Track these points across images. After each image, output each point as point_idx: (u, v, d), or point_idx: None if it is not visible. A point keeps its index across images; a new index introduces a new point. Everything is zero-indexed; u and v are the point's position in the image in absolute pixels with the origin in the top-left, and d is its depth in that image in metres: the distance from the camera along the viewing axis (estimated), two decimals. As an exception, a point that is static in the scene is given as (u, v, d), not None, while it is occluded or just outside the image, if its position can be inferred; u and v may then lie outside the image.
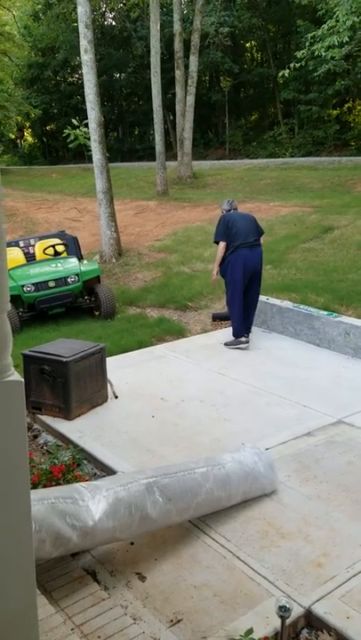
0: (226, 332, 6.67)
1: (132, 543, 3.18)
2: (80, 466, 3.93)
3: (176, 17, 17.75)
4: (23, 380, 1.56)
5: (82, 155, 24.26)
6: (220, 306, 7.66)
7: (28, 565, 1.67)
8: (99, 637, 2.49)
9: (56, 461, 3.78)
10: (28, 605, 1.68)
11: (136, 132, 32.54)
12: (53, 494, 2.82)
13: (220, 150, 27.44)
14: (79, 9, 10.08)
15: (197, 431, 4.45)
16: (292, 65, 12.29)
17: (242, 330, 6.37)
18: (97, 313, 7.83)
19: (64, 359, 4.60)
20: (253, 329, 6.66)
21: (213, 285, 7.76)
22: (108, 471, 3.90)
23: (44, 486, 3.33)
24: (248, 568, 2.98)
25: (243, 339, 6.37)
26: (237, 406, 4.90)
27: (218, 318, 7.37)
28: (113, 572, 2.99)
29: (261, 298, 6.83)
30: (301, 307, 6.65)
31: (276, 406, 4.88)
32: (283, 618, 2.45)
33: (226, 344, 6.43)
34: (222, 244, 6.24)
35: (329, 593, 2.79)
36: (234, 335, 6.41)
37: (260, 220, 6.83)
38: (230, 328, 6.55)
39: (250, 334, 6.52)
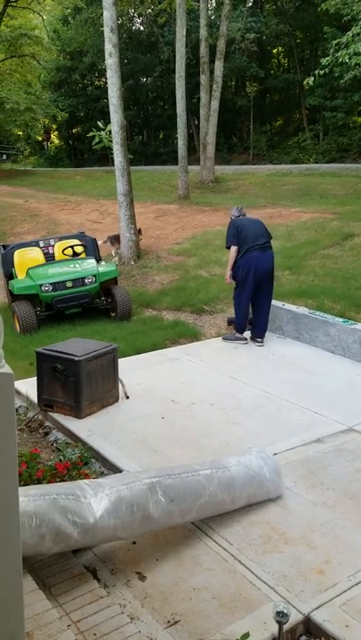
0: (240, 337, 6.67)
1: (135, 542, 3.19)
2: (88, 464, 3.95)
3: (202, 22, 17.81)
4: (13, 372, 1.58)
5: (106, 158, 24.50)
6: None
7: (15, 558, 1.67)
8: (94, 635, 2.50)
9: (62, 458, 3.80)
10: (12, 597, 1.69)
11: (161, 136, 32.68)
12: (56, 490, 2.84)
13: (244, 155, 27.42)
14: (105, 13, 10.20)
15: (206, 434, 4.45)
16: (316, 72, 12.22)
17: (244, 327, 6.53)
18: (113, 314, 7.88)
19: (76, 358, 4.63)
20: (268, 334, 6.64)
21: (228, 289, 7.75)
22: (115, 470, 3.91)
23: (48, 482, 3.35)
24: (249, 572, 2.96)
25: (243, 336, 6.51)
26: (248, 411, 4.88)
27: (233, 322, 7.34)
28: (113, 570, 3.00)
29: (277, 303, 6.81)
30: (317, 313, 6.60)
31: (286, 412, 4.85)
32: (280, 623, 2.43)
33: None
34: (234, 248, 6.34)
35: (329, 601, 2.76)
36: (237, 331, 6.56)
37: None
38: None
39: (263, 339, 6.52)
